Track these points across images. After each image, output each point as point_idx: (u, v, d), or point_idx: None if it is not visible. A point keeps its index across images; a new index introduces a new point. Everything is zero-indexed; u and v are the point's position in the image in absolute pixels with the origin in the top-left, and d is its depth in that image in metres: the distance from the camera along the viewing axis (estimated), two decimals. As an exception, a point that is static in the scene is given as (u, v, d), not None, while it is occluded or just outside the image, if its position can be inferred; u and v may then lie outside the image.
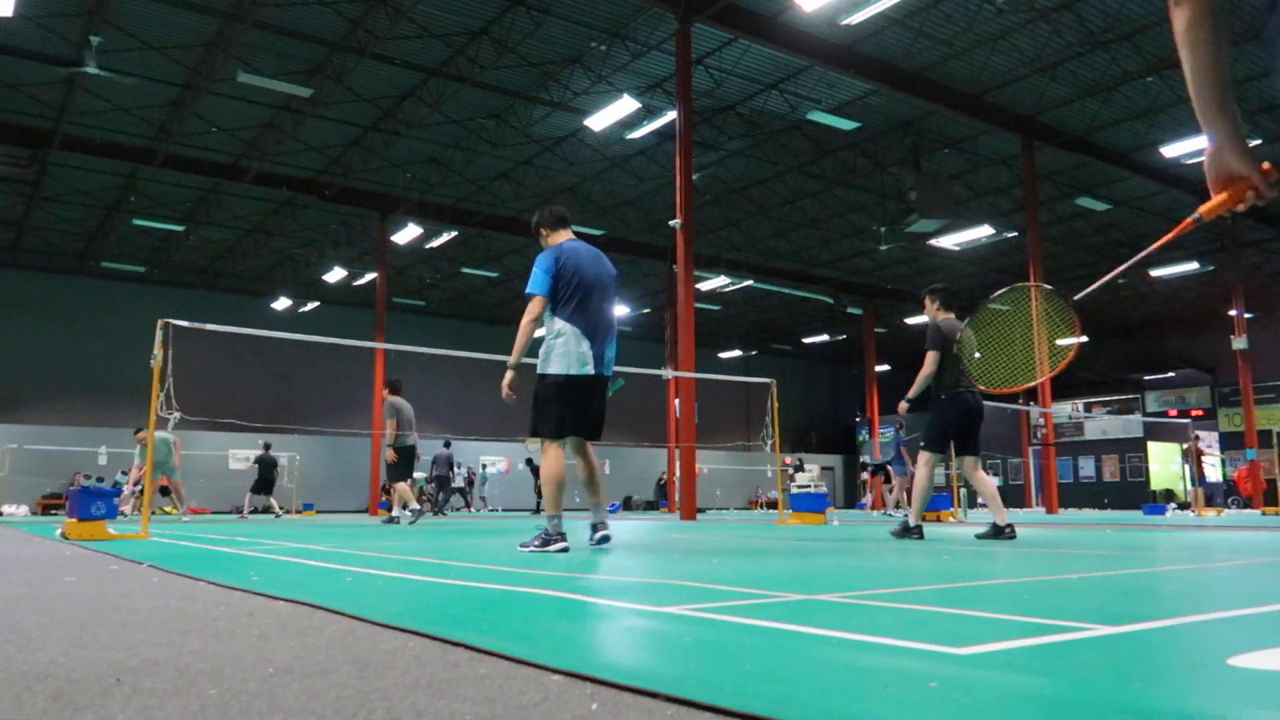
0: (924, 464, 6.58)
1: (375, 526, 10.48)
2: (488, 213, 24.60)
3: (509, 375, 5.14)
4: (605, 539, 5.11)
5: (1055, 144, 19.53)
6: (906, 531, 6.55)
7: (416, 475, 26.81)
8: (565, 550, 4.73)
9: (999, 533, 6.36)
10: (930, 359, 6.53)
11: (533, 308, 4.96)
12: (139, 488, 13.99)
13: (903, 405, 6.75)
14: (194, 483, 24.85)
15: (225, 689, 1.37)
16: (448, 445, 23.09)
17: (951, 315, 6.73)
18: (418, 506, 11.27)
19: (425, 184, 22.51)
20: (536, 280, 4.97)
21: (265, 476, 17.59)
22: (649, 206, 24.09)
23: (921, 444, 6.65)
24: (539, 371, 5.01)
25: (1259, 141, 19.10)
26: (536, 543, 4.83)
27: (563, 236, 5.20)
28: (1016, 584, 3.01)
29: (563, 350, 4.91)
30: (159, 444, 13.55)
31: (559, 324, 4.96)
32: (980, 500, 6.64)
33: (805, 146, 20.43)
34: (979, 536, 6.54)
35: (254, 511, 18.28)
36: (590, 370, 4.95)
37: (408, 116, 18.85)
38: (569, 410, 4.94)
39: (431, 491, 23.29)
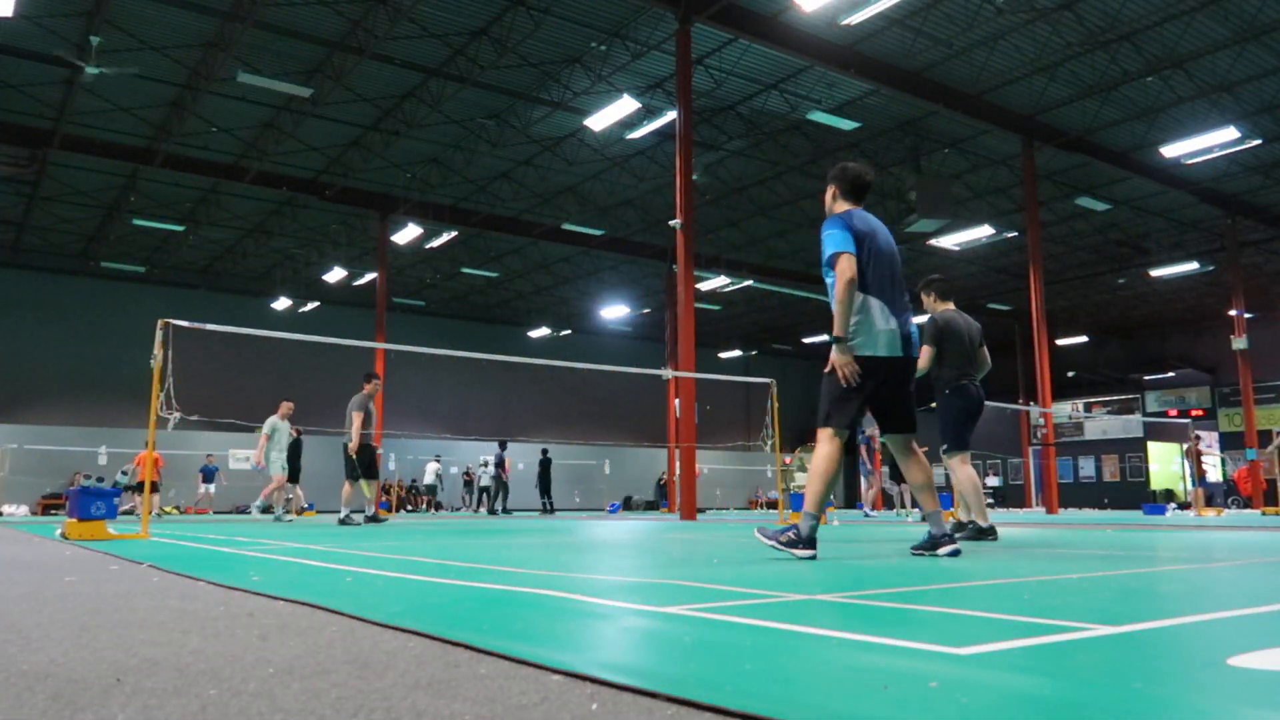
0: (960, 465, 6.34)
1: (372, 527, 10.48)
2: (488, 213, 24.60)
3: (840, 349, 4.32)
4: (956, 552, 4.29)
5: (1055, 144, 19.53)
6: (981, 534, 6.22)
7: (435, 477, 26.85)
8: (813, 558, 4.09)
9: (980, 534, 6.20)
10: (925, 353, 6.26)
11: (847, 266, 4.14)
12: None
13: None
14: (194, 482, 24.84)
15: (225, 689, 1.37)
16: (504, 446, 23.16)
17: (951, 305, 6.50)
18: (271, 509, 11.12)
19: (425, 184, 22.52)
20: (839, 239, 4.19)
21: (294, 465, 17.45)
22: (649, 206, 24.10)
23: (944, 448, 6.38)
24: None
25: (1258, 141, 19.09)
26: (783, 540, 4.15)
27: (850, 207, 4.46)
28: (1016, 584, 3.01)
29: (868, 327, 4.21)
30: (280, 434, 13.21)
31: (859, 297, 4.24)
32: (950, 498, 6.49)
33: (805, 146, 20.43)
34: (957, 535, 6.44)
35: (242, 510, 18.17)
36: (899, 353, 4.26)
37: (408, 116, 18.86)
38: (863, 399, 4.23)
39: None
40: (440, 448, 29.58)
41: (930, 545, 4.36)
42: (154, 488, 17.93)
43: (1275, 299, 31.30)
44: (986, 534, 6.23)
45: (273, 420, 13.15)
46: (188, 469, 25.32)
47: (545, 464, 24.07)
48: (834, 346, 4.31)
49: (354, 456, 10.82)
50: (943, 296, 6.51)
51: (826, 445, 4.22)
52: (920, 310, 6.33)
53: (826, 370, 4.30)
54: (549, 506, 23.89)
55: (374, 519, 10.95)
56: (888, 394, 4.30)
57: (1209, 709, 1.22)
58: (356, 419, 10.81)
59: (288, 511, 13.93)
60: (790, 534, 4.14)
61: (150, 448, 7.66)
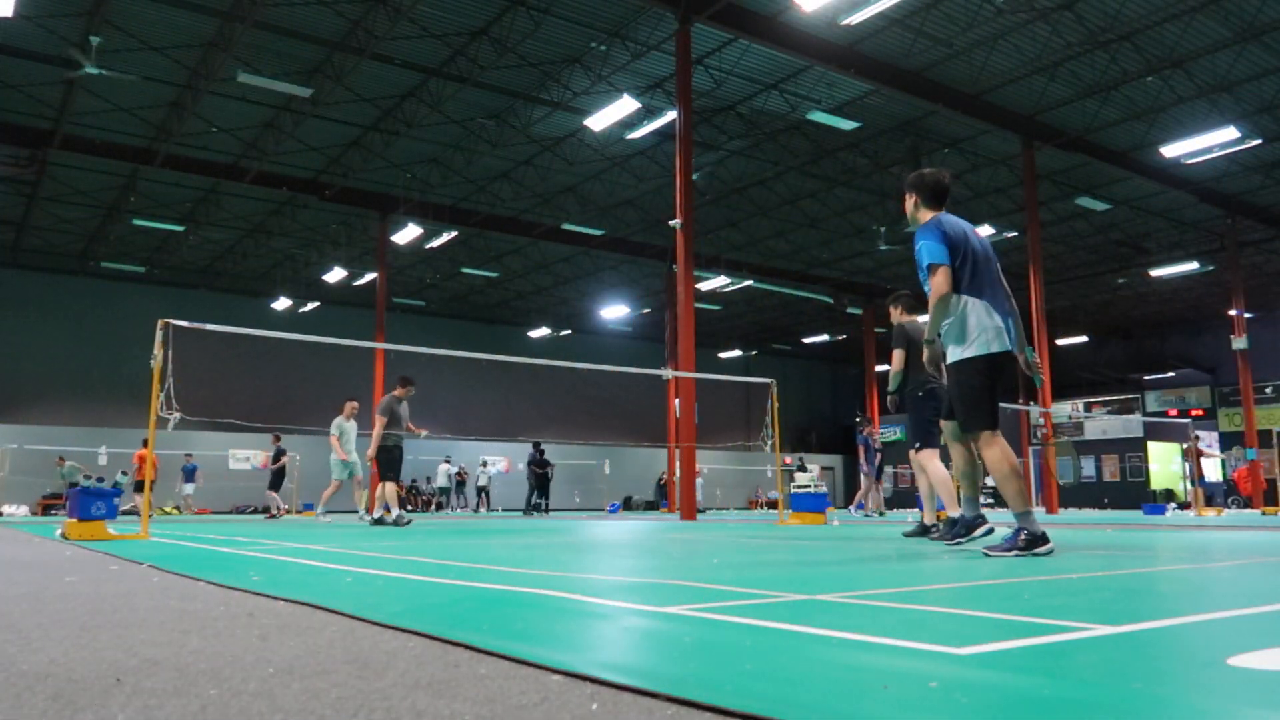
0: (931, 461, 6.67)
1: (377, 529, 10.47)
2: (488, 213, 24.61)
3: (931, 349, 4.63)
4: (990, 530, 4.75)
5: (1055, 144, 19.53)
6: (924, 531, 6.67)
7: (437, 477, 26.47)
8: (1051, 551, 4.22)
9: (924, 531, 6.61)
10: (897, 356, 6.77)
11: (943, 280, 4.30)
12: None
13: (893, 399, 6.94)
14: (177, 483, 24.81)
15: (225, 689, 1.37)
16: (537, 447, 23.18)
17: (917, 317, 6.89)
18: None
19: (425, 184, 22.51)
20: (933, 250, 4.34)
21: (279, 471, 17.41)
22: (649, 206, 24.10)
23: (916, 445, 6.75)
24: (954, 359, 4.43)
25: (1258, 141, 19.09)
26: (1021, 544, 4.19)
27: (933, 214, 4.58)
28: (1016, 584, 3.01)
29: (977, 326, 4.33)
30: (349, 435, 12.61)
31: (961, 300, 4.36)
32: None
33: (805, 146, 20.43)
34: (906, 534, 6.74)
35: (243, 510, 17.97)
36: (1009, 347, 4.36)
37: (408, 116, 18.86)
38: (997, 396, 4.38)
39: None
40: (442, 448, 29.54)
41: (967, 531, 4.71)
42: (147, 486, 17.86)
43: (1275, 299, 31.30)
44: (930, 532, 6.64)
45: (338, 421, 12.80)
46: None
47: (543, 464, 23.96)
48: (926, 345, 4.57)
49: (369, 460, 10.79)
50: (910, 310, 6.99)
51: (992, 448, 4.37)
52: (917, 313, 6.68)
53: (952, 379, 4.47)
54: (544, 507, 23.80)
55: (379, 521, 10.85)
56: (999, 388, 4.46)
57: (1209, 709, 1.22)
58: (378, 423, 10.79)
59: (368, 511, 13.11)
60: (1023, 537, 4.22)
61: (150, 447, 7.65)
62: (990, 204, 23.35)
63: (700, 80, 17.05)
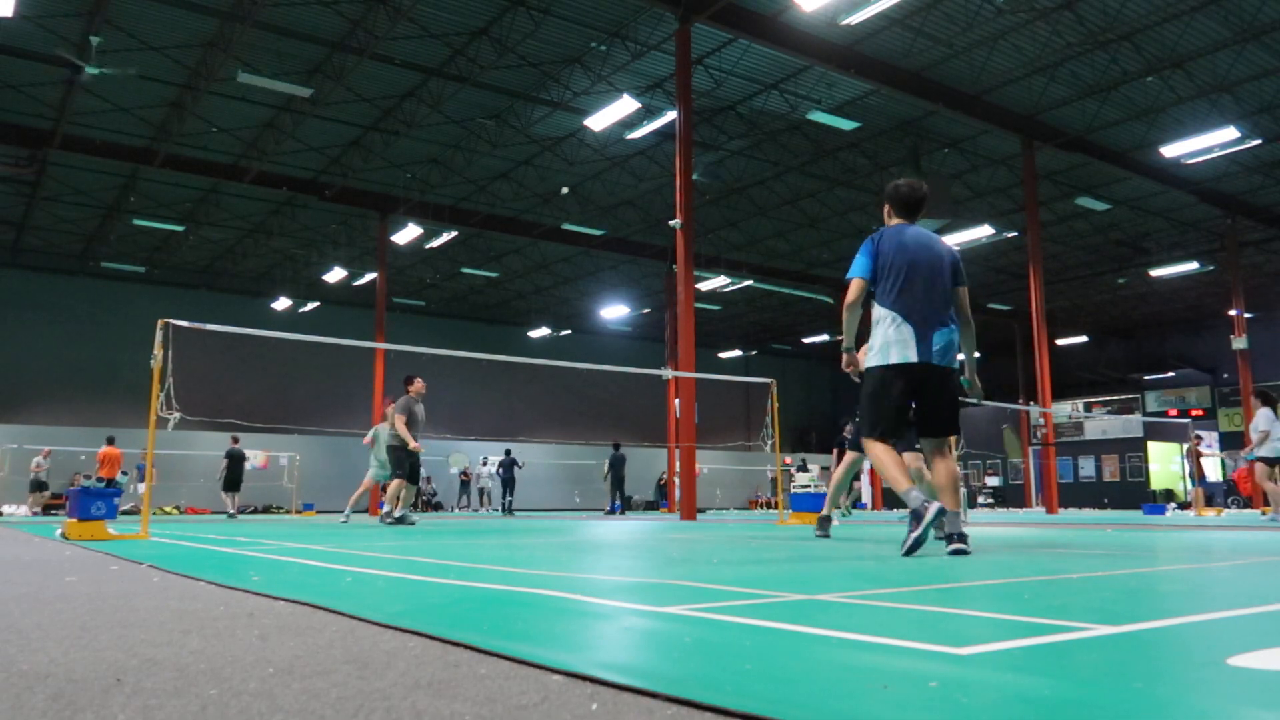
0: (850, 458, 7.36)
1: (375, 526, 10.47)
2: (488, 213, 24.61)
3: (846, 356, 4.96)
4: (962, 551, 4.29)
5: (1055, 144, 19.53)
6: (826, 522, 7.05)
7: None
8: (940, 512, 4.22)
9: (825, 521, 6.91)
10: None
11: (849, 292, 4.59)
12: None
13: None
14: (194, 483, 24.82)
15: (225, 689, 1.37)
16: (618, 447, 23.23)
17: None
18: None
19: (425, 184, 22.52)
20: (855, 264, 4.61)
21: (235, 473, 17.49)
22: (649, 206, 24.11)
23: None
24: (864, 366, 4.65)
25: (1258, 141, 19.09)
26: (916, 526, 4.26)
27: (897, 223, 4.74)
28: (1016, 584, 3.01)
29: (881, 341, 4.47)
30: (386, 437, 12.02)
31: (878, 311, 4.54)
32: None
33: (805, 146, 20.43)
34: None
35: (244, 510, 18.04)
36: (912, 358, 4.38)
37: (408, 116, 18.86)
38: (889, 406, 4.48)
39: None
40: (446, 448, 29.50)
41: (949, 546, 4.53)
42: (112, 484, 17.91)
43: (1275, 299, 31.30)
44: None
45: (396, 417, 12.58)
46: (188, 469, 25.29)
47: (509, 465, 23.79)
48: (844, 353, 4.90)
49: (398, 456, 10.84)
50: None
51: (874, 449, 4.51)
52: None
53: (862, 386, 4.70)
54: (508, 507, 23.58)
55: (400, 520, 10.92)
56: (918, 401, 4.51)
57: (1209, 709, 1.22)
58: (399, 421, 10.81)
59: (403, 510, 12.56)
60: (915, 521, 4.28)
61: (150, 447, 7.64)
62: (990, 204, 23.36)
63: (700, 80, 17.06)
